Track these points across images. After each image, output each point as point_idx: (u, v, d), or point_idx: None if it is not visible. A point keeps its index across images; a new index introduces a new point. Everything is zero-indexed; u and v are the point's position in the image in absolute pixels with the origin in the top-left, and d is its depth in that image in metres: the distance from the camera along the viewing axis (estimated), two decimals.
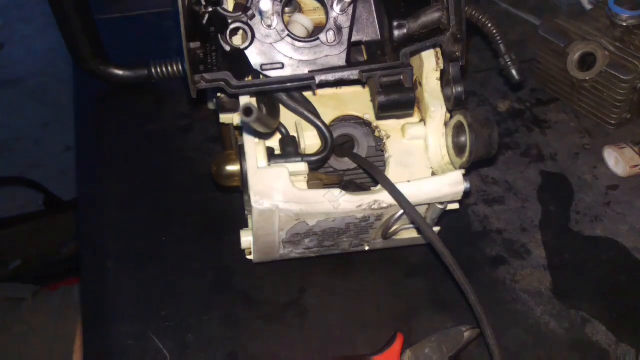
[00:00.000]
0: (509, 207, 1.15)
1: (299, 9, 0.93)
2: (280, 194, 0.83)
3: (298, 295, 1.04)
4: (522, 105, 1.30)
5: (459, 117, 0.86)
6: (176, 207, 1.15)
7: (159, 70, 0.97)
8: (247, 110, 0.71)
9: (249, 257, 1.00)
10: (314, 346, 0.99)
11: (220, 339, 0.99)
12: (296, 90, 0.89)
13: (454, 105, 0.87)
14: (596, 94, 1.21)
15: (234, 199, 1.12)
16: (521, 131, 1.26)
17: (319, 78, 0.85)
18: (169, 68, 0.97)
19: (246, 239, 0.97)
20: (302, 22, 0.90)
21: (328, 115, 0.92)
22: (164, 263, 1.08)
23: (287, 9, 0.91)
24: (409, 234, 0.98)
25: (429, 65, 0.91)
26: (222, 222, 1.12)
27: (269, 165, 0.85)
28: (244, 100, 0.87)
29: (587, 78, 1.20)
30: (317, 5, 0.92)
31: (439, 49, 0.90)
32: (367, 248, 1.02)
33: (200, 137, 1.25)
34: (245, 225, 1.03)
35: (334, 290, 1.05)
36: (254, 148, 0.85)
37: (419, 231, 0.95)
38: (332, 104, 0.93)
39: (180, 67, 0.98)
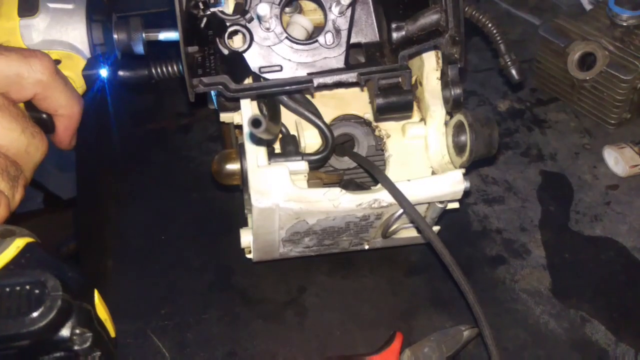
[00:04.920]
0: (508, 207, 1.15)
1: (299, 9, 0.93)
2: (280, 193, 0.83)
3: (297, 294, 1.04)
4: (522, 105, 1.30)
5: (459, 117, 0.86)
6: (176, 206, 1.15)
7: (159, 70, 0.97)
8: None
9: (248, 255, 1.00)
10: (313, 345, 0.99)
11: (220, 338, 0.99)
12: (295, 93, 0.89)
13: (453, 107, 0.87)
14: (596, 94, 1.21)
15: (233, 198, 1.12)
16: (521, 131, 1.26)
17: (317, 81, 0.85)
18: (169, 68, 0.97)
19: (246, 237, 0.97)
20: (302, 23, 0.90)
21: (328, 114, 0.92)
22: (163, 262, 1.08)
23: (287, 9, 0.91)
24: (409, 233, 0.98)
25: (429, 65, 0.91)
26: (221, 221, 1.12)
27: (269, 163, 0.85)
28: (245, 103, 0.88)
29: (587, 78, 1.20)
30: (317, 5, 0.92)
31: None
32: (366, 247, 1.02)
33: (201, 136, 1.25)
34: (244, 224, 1.03)
35: (333, 289, 1.05)
36: (254, 147, 0.85)
37: (419, 230, 0.95)
38: (332, 103, 0.93)
39: (181, 67, 0.98)
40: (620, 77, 1.15)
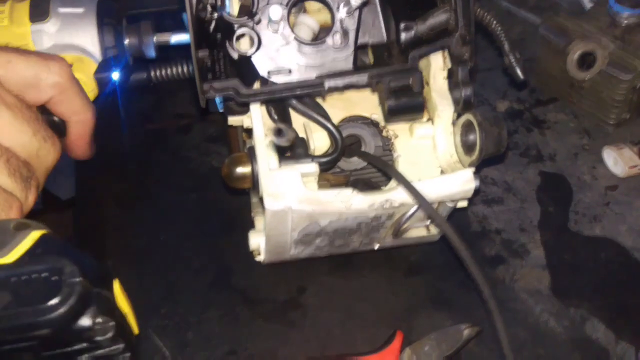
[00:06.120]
0: (507, 207, 1.15)
1: (303, 9, 0.93)
2: (292, 195, 0.83)
3: (297, 293, 1.04)
4: (521, 106, 1.30)
5: (467, 116, 0.86)
6: (176, 206, 1.15)
7: (157, 73, 0.97)
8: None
9: (257, 258, 1.00)
10: (314, 344, 0.99)
11: (220, 337, 0.99)
12: (305, 96, 0.88)
13: (463, 107, 0.87)
14: (595, 94, 1.21)
15: (233, 198, 1.12)
16: (520, 131, 1.26)
17: (327, 84, 0.85)
18: (168, 71, 0.97)
19: (254, 240, 0.97)
20: (308, 23, 0.89)
21: (336, 115, 0.91)
22: (163, 262, 1.08)
23: (292, 10, 0.91)
24: (419, 231, 0.99)
25: (436, 64, 0.90)
26: (221, 221, 1.12)
27: (280, 166, 0.85)
28: (254, 107, 0.87)
29: (587, 78, 1.20)
30: (321, 5, 0.91)
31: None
32: (376, 247, 1.02)
33: (200, 137, 1.25)
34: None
35: (333, 288, 1.05)
36: (264, 150, 0.85)
37: (428, 228, 0.96)
38: (339, 104, 0.92)
39: (180, 70, 0.98)
40: (620, 77, 1.15)
